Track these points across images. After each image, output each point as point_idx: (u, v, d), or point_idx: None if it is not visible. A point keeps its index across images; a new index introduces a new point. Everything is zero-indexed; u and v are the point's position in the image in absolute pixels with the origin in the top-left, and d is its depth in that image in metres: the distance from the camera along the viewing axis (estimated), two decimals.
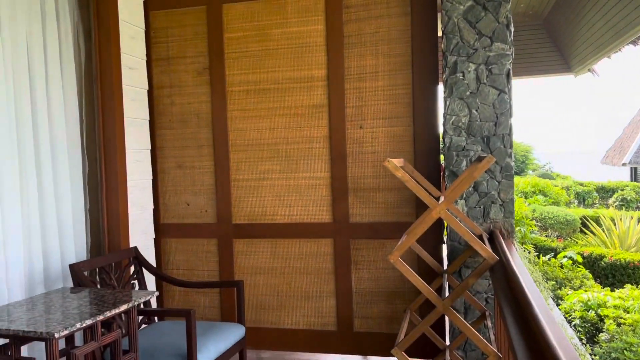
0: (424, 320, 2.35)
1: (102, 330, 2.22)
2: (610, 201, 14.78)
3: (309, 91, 3.35)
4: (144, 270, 3.16)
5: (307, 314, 3.41)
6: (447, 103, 2.98)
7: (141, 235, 3.44)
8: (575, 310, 5.23)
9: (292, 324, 3.44)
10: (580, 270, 6.70)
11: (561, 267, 6.87)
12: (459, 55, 2.95)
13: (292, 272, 3.43)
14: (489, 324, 2.73)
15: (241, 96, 3.45)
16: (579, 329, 5.03)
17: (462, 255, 2.88)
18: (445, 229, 3.32)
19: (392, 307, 3.27)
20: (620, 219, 8.97)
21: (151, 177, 3.59)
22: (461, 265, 2.96)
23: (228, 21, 3.43)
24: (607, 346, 4.43)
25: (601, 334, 4.78)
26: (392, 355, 2.38)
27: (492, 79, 2.93)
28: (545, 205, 11.07)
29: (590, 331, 4.96)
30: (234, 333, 2.80)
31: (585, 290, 5.68)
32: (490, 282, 2.94)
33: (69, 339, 2.30)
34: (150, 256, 3.52)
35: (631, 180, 17.67)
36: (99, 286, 2.81)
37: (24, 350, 2.55)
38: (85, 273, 2.69)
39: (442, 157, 3.18)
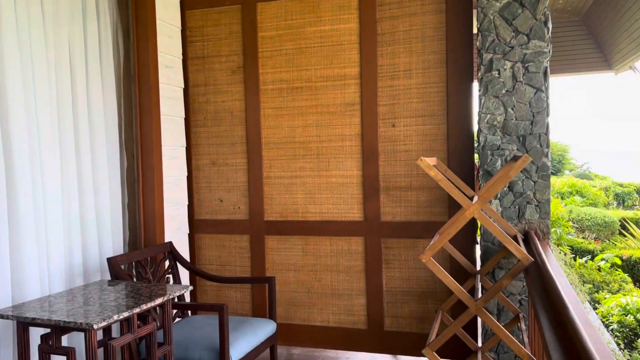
0: (456, 320, 2.33)
1: (138, 322, 2.28)
2: None
3: (342, 89, 3.35)
4: (179, 265, 3.23)
5: (337, 311, 3.42)
6: (482, 101, 2.94)
7: (176, 230, 3.51)
8: (612, 315, 5.08)
9: (323, 321, 3.46)
10: (618, 274, 6.50)
11: (598, 270, 6.69)
12: (494, 52, 2.90)
13: (323, 269, 3.44)
14: (523, 326, 2.69)
15: (274, 94, 3.48)
16: (617, 333, 4.88)
17: (496, 256, 2.84)
18: (478, 229, 3.28)
19: (423, 307, 3.25)
20: None
21: (186, 174, 3.66)
22: (495, 266, 2.92)
23: (262, 20, 3.47)
24: None
25: None
26: (423, 355, 2.36)
27: (529, 77, 2.87)
28: (582, 207, 10.78)
29: (629, 336, 4.82)
30: (265, 328, 2.83)
31: (624, 294, 5.51)
32: (525, 283, 2.89)
33: (107, 330, 2.37)
34: (184, 251, 3.59)
35: None
36: (135, 280, 2.89)
37: (64, 340, 2.64)
38: (122, 267, 2.76)
39: (476, 156, 3.13)
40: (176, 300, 3.06)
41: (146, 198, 3.27)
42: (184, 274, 3.51)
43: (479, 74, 2.95)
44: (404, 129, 3.24)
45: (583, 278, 6.36)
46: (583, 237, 9.26)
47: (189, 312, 3.19)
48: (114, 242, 3.11)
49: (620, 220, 9.92)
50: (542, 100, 2.87)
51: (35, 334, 2.26)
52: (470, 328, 3.06)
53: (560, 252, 6.70)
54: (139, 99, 3.22)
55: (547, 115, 2.88)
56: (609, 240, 9.35)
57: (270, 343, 2.89)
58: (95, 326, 1.83)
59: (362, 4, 3.26)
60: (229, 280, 3.22)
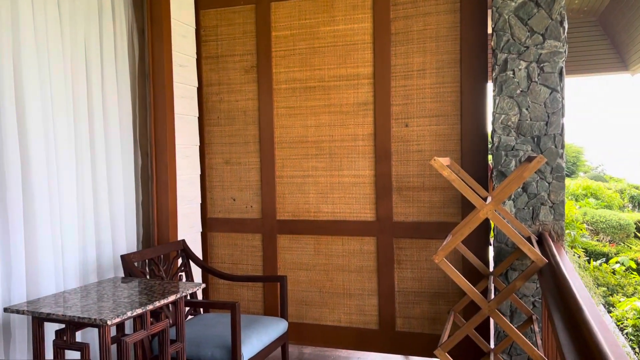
0: (469, 322, 2.31)
1: (151, 319, 2.29)
2: None
3: (355, 89, 3.34)
4: (191, 263, 3.24)
5: (349, 311, 3.42)
6: (497, 101, 2.92)
7: (189, 228, 3.53)
8: (627, 318, 5.02)
9: (334, 321, 3.46)
10: (634, 277, 6.42)
11: (613, 273, 6.61)
12: (509, 52, 2.88)
13: (335, 269, 3.44)
14: (536, 328, 2.66)
15: (287, 94, 3.48)
16: (631, 337, 4.82)
17: (510, 257, 2.82)
18: (491, 230, 3.26)
19: (435, 308, 3.24)
20: None
21: (199, 172, 3.68)
22: (508, 267, 2.90)
23: (276, 19, 3.47)
24: None
25: None
26: (435, 357, 2.35)
27: (544, 77, 2.84)
28: (597, 209, 10.66)
29: None
30: (277, 327, 2.84)
31: (639, 298, 5.44)
32: (538, 285, 2.86)
33: (120, 326, 2.39)
34: (197, 249, 3.61)
35: None
36: (148, 277, 2.91)
37: (78, 336, 2.67)
38: (136, 264, 2.78)
39: (490, 156, 3.11)
40: (189, 297, 3.08)
41: (160, 196, 3.30)
42: (197, 272, 3.53)
43: (494, 74, 2.93)
44: (417, 129, 3.23)
45: (597, 281, 6.29)
46: (597, 240, 9.16)
47: (201, 309, 3.21)
48: (127, 239, 3.14)
49: (635, 223, 9.79)
50: (557, 101, 2.84)
51: (50, 329, 2.29)
52: (483, 329, 3.05)
53: (574, 255, 6.63)
54: (154, 98, 3.24)
55: (562, 116, 2.85)
56: (624, 243, 9.23)
57: (281, 342, 2.90)
58: (109, 322, 1.85)
59: (376, 4, 3.25)
60: (241, 278, 3.23)
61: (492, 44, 2.95)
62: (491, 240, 3.16)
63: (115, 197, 3.04)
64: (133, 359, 3.05)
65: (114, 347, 2.81)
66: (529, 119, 2.87)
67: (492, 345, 3.06)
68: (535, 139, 2.87)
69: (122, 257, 2.70)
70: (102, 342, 1.89)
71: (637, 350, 4.66)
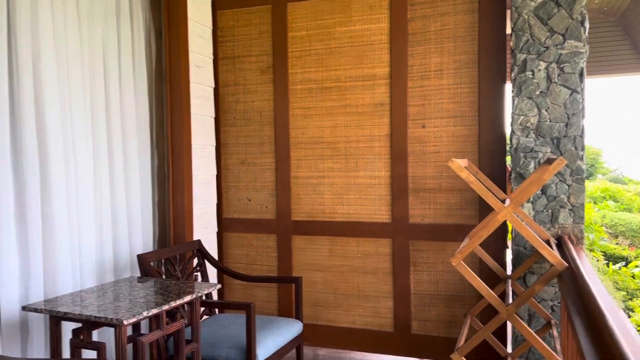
0: (486, 326, 2.28)
1: (167, 319, 2.30)
2: None
3: (371, 89, 3.33)
4: (207, 263, 3.25)
5: (364, 313, 3.40)
6: (515, 102, 2.88)
7: (204, 229, 3.54)
8: None
9: (349, 323, 3.44)
10: None
11: (632, 277, 6.49)
12: (528, 53, 2.84)
13: (350, 270, 3.42)
14: (555, 333, 2.62)
15: (303, 94, 3.48)
16: None
17: (528, 260, 2.78)
18: (509, 233, 3.22)
19: (451, 311, 3.20)
20: None
21: (215, 173, 3.68)
22: (526, 271, 2.86)
23: (292, 20, 3.47)
24: None
25: None
26: None
27: (564, 77, 2.80)
28: (616, 212, 10.49)
29: None
30: (291, 328, 2.83)
31: None
32: (557, 289, 2.81)
33: (136, 326, 2.40)
34: (212, 249, 3.62)
35: None
36: (164, 276, 2.92)
37: (94, 335, 2.69)
38: (152, 263, 2.79)
39: (508, 158, 3.07)
40: (204, 298, 3.09)
41: (176, 196, 3.31)
42: (212, 272, 3.53)
43: (512, 75, 2.90)
44: (434, 130, 3.20)
45: (616, 285, 6.19)
46: (616, 243, 9.01)
47: (216, 310, 3.21)
48: (144, 239, 3.16)
49: None
50: (578, 102, 2.79)
51: (67, 328, 2.31)
52: (500, 333, 3.00)
53: (592, 258, 6.53)
54: (170, 99, 3.26)
55: (583, 117, 2.80)
56: None
57: (296, 343, 2.89)
58: (125, 322, 1.85)
59: (393, 4, 3.23)
60: (256, 279, 3.23)
61: (511, 44, 2.91)
62: (509, 243, 3.12)
63: (132, 197, 3.06)
64: (149, 358, 3.06)
65: (129, 347, 2.82)
66: (549, 121, 2.83)
67: (509, 350, 3.02)
68: (555, 140, 2.82)
69: (139, 256, 2.71)
70: (118, 342, 1.89)
71: None
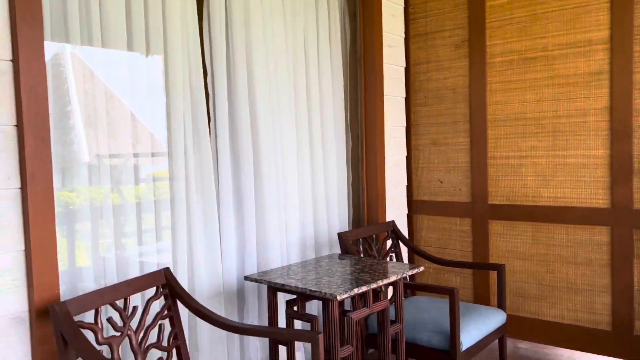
0: None
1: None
2: None
3: (585, 57, 2.94)
4: (400, 244, 3.22)
5: (574, 308, 3.06)
6: None
7: (395, 210, 3.52)
8: None
9: (555, 317, 3.12)
10: None
11: None
12: None
13: (557, 260, 3.10)
14: None
15: (503, 67, 3.22)
16: None
17: None
18: None
19: None
20: None
21: (405, 154, 3.63)
22: None
23: None
24: None
25: None
26: None
27: None
28: None
29: None
30: (495, 318, 2.66)
31: None
32: None
33: (339, 302, 2.46)
34: (403, 232, 3.58)
35: None
36: (362, 255, 2.96)
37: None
38: (350, 242, 2.84)
39: None
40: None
41: (369, 178, 3.33)
42: (404, 254, 3.50)
43: None
44: None
45: None
46: None
47: (409, 291, 3.16)
48: (340, 219, 3.24)
49: None
50: None
51: (279, 299, 2.45)
52: None
53: None
54: (364, 80, 3.27)
55: None
56: None
57: (499, 334, 2.70)
58: (338, 297, 1.89)
59: None
60: (454, 264, 3.10)
61: None
62: None
63: (330, 179, 3.14)
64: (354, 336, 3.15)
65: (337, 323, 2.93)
66: None
67: None
68: None
69: (340, 234, 2.78)
70: (329, 316, 1.94)
71: None
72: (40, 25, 1.69)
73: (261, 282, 2.14)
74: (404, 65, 3.56)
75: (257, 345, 2.69)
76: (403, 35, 3.53)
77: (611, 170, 2.89)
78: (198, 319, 2.31)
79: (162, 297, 1.97)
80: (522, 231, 3.23)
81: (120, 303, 1.81)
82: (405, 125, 3.61)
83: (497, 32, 3.22)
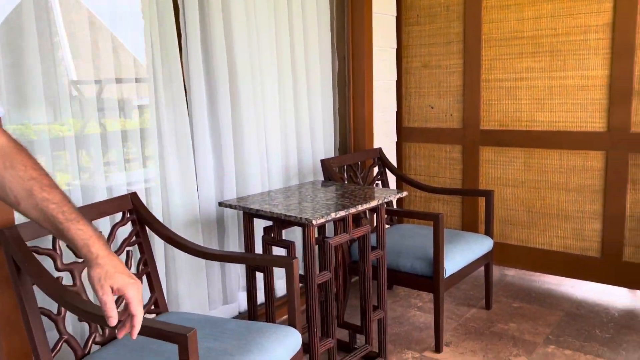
0: None
1: (352, 224, 2.22)
2: None
3: None
4: (387, 172, 3.11)
5: (563, 235, 3.00)
6: None
7: (384, 137, 3.38)
8: None
9: (544, 244, 3.07)
10: None
11: None
12: None
13: (548, 187, 3.01)
14: None
15: None
16: None
17: None
18: None
19: None
20: None
21: (395, 78, 3.44)
22: None
23: None
24: None
25: None
26: None
27: None
28: None
29: None
30: (481, 245, 2.59)
31: None
32: None
33: (320, 229, 2.38)
34: (391, 160, 3.46)
35: None
36: (346, 182, 2.85)
37: (283, 234, 2.77)
38: (335, 169, 2.73)
39: None
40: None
41: (356, 103, 3.17)
42: (392, 182, 3.40)
43: None
44: None
45: None
46: None
47: (395, 219, 3.09)
48: (325, 146, 3.11)
49: None
50: None
51: (259, 226, 2.37)
52: None
53: None
54: None
55: None
56: None
57: (485, 261, 2.65)
58: (314, 222, 1.79)
59: None
60: (441, 191, 3.01)
61: None
62: None
63: (314, 104, 2.98)
64: (334, 261, 3.11)
65: (316, 248, 2.86)
66: None
67: None
68: None
69: (322, 161, 2.66)
70: (306, 241, 1.85)
71: None
72: None
73: (236, 208, 2.04)
74: None
75: (239, 273, 2.64)
76: None
77: (610, 91, 2.74)
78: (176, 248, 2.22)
79: (130, 224, 1.88)
80: (513, 157, 3.11)
81: None
82: (395, 47, 3.40)
83: None
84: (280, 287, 2.71)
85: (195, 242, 2.33)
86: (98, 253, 0.96)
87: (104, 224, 1.97)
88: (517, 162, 3.10)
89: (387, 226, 2.95)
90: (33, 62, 1.77)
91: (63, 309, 1.54)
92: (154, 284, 1.88)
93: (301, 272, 2.09)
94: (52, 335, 1.53)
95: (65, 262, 1.60)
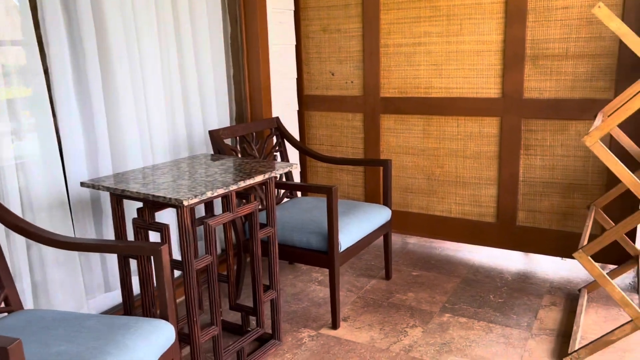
0: (624, 222, 1.81)
1: (244, 201, 2.06)
2: None
3: None
4: (287, 144, 2.96)
5: (461, 201, 3.01)
6: None
7: (284, 106, 3.21)
8: None
9: (443, 211, 3.08)
10: None
11: None
12: None
13: (447, 154, 2.99)
14: None
15: None
16: None
17: None
18: None
19: (567, 202, 2.72)
20: None
21: (294, 43, 3.26)
22: None
23: None
24: None
25: None
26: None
27: None
28: None
29: None
30: (379, 215, 2.52)
31: None
32: None
33: (208, 206, 2.20)
34: (293, 130, 3.32)
35: None
36: (239, 155, 2.67)
37: (164, 215, 2.55)
38: (228, 141, 2.53)
39: None
40: (283, 180, 2.84)
41: (251, 69, 2.97)
42: (293, 154, 3.26)
43: None
44: None
45: None
46: None
47: (299, 194, 2.97)
48: (219, 118, 2.89)
49: None
50: None
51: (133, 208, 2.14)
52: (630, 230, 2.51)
53: None
54: None
55: None
56: None
57: (384, 231, 2.59)
58: (185, 203, 1.61)
59: None
60: (340, 161, 2.90)
61: None
62: None
63: (204, 71, 2.74)
64: (224, 242, 2.93)
65: (200, 230, 2.67)
66: None
67: None
68: None
69: (211, 132, 2.45)
70: (181, 224, 1.67)
71: None
72: None
73: (99, 189, 1.80)
74: None
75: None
76: None
77: (504, 56, 2.72)
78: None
79: None
80: (413, 125, 3.06)
81: None
82: (293, 8, 3.21)
83: None
84: None
85: (60, 228, 2.08)
86: None
87: None
88: (416, 129, 3.05)
89: (286, 200, 2.81)
90: None
91: None
92: (2, 279, 1.63)
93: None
94: None
95: None
